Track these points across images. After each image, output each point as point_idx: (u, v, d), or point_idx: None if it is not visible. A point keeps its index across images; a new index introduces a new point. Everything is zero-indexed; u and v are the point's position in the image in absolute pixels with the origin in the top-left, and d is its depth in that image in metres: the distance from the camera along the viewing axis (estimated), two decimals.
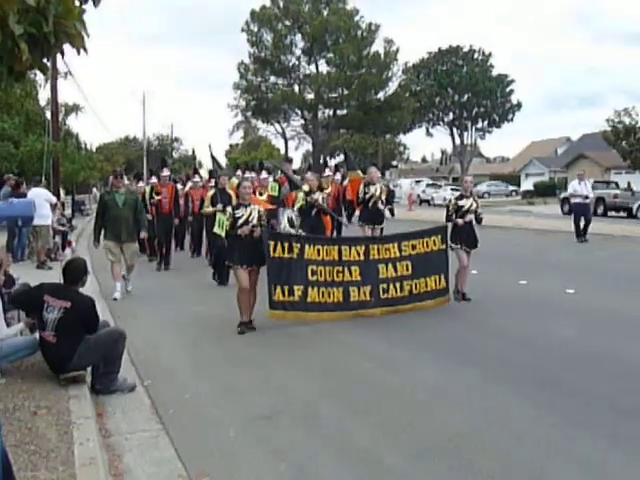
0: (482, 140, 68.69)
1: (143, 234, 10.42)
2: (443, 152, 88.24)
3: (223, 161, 53.40)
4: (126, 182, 13.39)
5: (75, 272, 5.80)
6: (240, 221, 7.75)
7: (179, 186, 16.08)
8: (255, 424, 4.92)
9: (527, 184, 60.32)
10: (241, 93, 57.60)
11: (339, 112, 57.17)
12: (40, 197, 12.93)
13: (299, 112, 58.02)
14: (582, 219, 17.41)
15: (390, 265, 8.67)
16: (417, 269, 8.81)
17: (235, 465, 4.24)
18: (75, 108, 32.95)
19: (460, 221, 9.29)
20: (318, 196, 10.53)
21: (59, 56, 3.60)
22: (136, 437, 4.69)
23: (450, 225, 9.44)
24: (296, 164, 43.83)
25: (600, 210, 28.39)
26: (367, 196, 11.30)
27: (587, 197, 17.66)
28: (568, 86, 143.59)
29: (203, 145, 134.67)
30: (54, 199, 14.87)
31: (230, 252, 7.98)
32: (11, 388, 5.35)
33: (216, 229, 8.86)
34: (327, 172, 12.98)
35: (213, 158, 12.05)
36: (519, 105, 63.42)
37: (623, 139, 39.60)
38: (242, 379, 6.11)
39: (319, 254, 8.27)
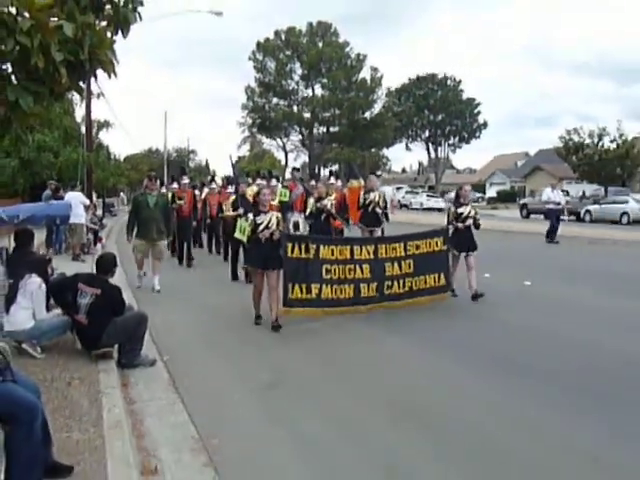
0: (453, 154, 69.11)
1: (169, 237, 10.26)
2: (420, 164, 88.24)
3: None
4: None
5: (106, 264, 5.84)
6: (261, 227, 7.40)
7: (197, 192, 15.96)
8: (259, 396, 4.93)
9: (491, 192, 60.60)
10: (248, 112, 57.77)
11: (332, 129, 57.43)
12: (75, 199, 12.89)
13: (297, 129, 58.18)
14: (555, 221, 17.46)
15: (395, 263, 8.23)
16: (418, 267, 8.35)
17: (241, 429, 4.26)
18: (106, 124, 32.76)
19: (460, 225, 8.99)
20: (327, 202, 10.43)
21: (93, 79, 3.62)
22: (155, 404, 4.71)
23: (451, 229, 9.06)
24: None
25: None
26: (367, 202, 10.86)
27: (559, 203, 17.71)
28: (527, 108, 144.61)
29: (216, 156, 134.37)
30: (87, 201, 14.82)
31: (249, 255, 7.65)
32: (49, 362, 5.37)
33: (237, 234, 8.64)
34: (332, 180, 12.81)
35: (233, 167, 11.90)
36: (485, 124, 63.70)
37: (573, 154, 40.01)
38: (249, 358, 6.07)
39: (333, 254, 7.78)
